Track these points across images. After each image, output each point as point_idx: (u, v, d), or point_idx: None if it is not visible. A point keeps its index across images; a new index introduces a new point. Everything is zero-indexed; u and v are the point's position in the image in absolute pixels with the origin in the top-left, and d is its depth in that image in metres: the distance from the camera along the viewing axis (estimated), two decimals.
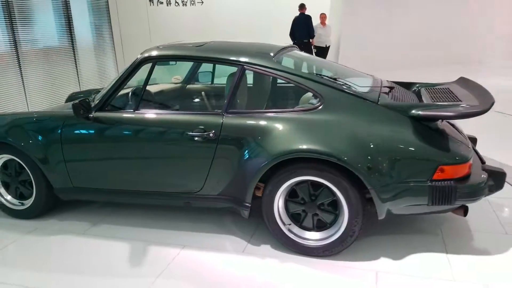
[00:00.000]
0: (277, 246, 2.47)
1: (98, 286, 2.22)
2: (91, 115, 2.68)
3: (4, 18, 4.81)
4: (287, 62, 2.67)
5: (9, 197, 3.07)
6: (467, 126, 2.76)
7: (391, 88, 2.60)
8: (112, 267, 2.39)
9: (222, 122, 2.44)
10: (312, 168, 2.24)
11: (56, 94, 5.99)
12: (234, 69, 2.53)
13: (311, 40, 8.89)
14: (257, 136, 2.36)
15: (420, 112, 2.26)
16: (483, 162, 2.47)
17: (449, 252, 2.36)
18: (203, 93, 3.34)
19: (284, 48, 2.85)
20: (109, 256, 2.51)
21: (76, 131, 2.76)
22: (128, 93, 3.03)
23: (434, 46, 11.08)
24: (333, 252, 2.34)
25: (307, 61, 3.19)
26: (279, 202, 2.38)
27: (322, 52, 9.76)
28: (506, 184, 2.37)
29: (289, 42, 9.35)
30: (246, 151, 2.37)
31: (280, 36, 9.04)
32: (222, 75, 2.94)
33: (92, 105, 2.70)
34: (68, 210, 3.10)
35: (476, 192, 2.18)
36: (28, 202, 3.00)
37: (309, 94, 2.50)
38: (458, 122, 2.64)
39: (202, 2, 10.61)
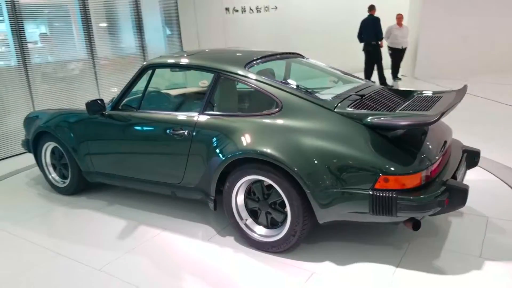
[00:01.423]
0: (240, 239, 2.67)
1: (81, 251, 2.69)
2: (105, 113, 3.20)
3: (83, 31, 5.76)
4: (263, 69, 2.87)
5: (55, 175, 3.78)
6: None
7: (362, 96, 2.60)
8: (101, 238, 2.87)
9: (195, 123, 2.73)
10: (259, 168, 2.39)
11: None
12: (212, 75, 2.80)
13: (379, 42, 8.57)
14: (221, 136, 2.59)
15: (371, 121, 2.26)
16: (452, 175, 2.34)
17: (400, 267, 2.29)
18: (196, 95, 3.67)
19: (273, 55, 3.04)
20: (105, 229, 2.99)
21: (95, 125, 3.30)
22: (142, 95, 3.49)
23: None
24: (279, 249, 2.46)
25: (295, 68, 3.32)
26: (237, 198, 2.57)
27: (398, 54, 9.34)
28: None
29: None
30: (212, 149, 2.62)
31: (353, 38, 8.93)
32: None
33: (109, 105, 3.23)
34: (96, 191, 3.69)
35: (423, 206, 2.09)
36: (66, 182, 3.68)
37: None
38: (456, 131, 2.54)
39: (276, 8, 10.94)
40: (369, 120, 2.27)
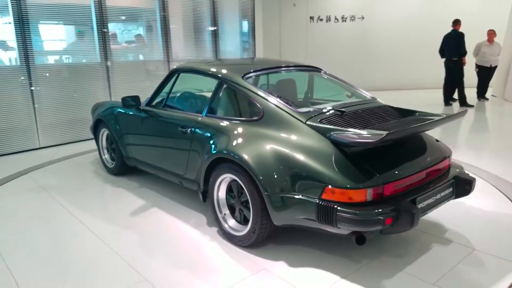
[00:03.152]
0: (220, 231, 2.97)
1: (97, 222, 3.27)
2: (141, 107, 3.78)
3: (162, 35, 6.58)
4: (263, 79, 3.12)
5: (107, 157, 4.52)
6: None
7: (342, 112, 2.71)
8: (117, 213, 3.43)
9: (197, 122, 3.12)
10: (232, 168, 2.67)
11: None
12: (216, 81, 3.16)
13: (462, 58, 7.96)
14: (212, 136, 2.93)
15: (331, 136, 2.40)
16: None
17: (345, 279, 2.36)
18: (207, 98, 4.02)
19: (278, 67, 3.30)
20: (125, 207, 3.52)
21: (132, 118, 3.91)
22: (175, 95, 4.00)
23: None
24: (244, 244, 2.71)
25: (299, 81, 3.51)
26: (219, 193, 2.88)
27: (486, 72, 8.58)
28: None
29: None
30: (204, 147, 2.97)
31: (436, 52, 8.48)
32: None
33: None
34: (136, 175, 4.32)
35: (361, 221, 2.16)
36: (113, 163, 4.39)
37: None
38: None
39: (363, 18, 10.79)
40: (329, 135, 2.40)
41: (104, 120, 4.27)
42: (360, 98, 3.25)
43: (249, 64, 3.56)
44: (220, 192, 2.89)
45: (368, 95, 3.31)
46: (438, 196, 2.53)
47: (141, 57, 6.74)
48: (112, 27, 6.09)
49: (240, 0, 7.88)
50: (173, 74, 3.62)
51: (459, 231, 2.92)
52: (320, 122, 2.58)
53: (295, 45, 10.91)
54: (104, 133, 4.47)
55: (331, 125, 2.54)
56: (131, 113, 3.90)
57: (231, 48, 7.95)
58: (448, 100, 8.34)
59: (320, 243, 2.74)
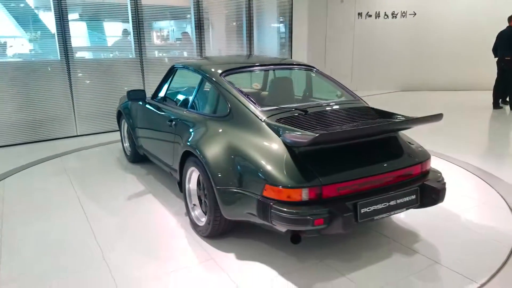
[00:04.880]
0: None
1: (95, 205, 3.61)
2: (146, 101, 4.07)
3: (196, 32, 6.87)
4: (241, 77, 3.21)
5: (127, 145, 4.90)
6: None
7: (305, 112, 2.71)
8: (117, 198, 3.73)
9: (179, 117, 3.30)
10: (195, 161, 2.81)
11: None
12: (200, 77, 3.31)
13: None
14: (188, 130, 3.09)
15: (281, 136, 2.43)
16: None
17: (283, 276, 2.39)
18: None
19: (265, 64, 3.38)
20: (126, 192, 3.84)
21: (139, 110, 4.22)
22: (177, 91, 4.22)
23: None
24: (203, 234, 2.84)
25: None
26: (190, 184, 3.04)
27: None
28: None
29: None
30: (182, 140, 3.14)
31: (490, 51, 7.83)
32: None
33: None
34: (148, 163, 4.63)
35: (291, 220, 2.19)
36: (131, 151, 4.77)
37: None
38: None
39: (415, 14, 10.22)
40: (281, 136, 2.44)
41: (122, 112, 4.64)
42: (345, 98, 3.21)
43: (235, 62, 3.64)
44: (191, 184, 3.04)
45: (355, 95, 3.25)
46: (392, 203, 2.43)
47: (176, 54, 7.09)
48: (147, 24, 6.49)
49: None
50: (172, 70, 3.84)
51: (433, 243, 2.77)
52: (278, 121, 2.61)
53: (342, 42, 10.65)
54: (124, 123, 4.85)
55: (286, 124, 2.56)
56: (139, 106, 4.21)
57: (267, 45, 8.04)
58: (497, 103, 7.63)
59: (277, 240, 2.77)
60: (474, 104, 8.37)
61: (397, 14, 10.30)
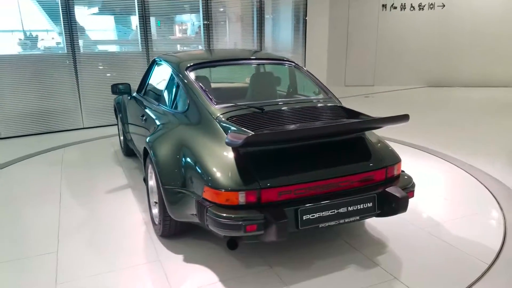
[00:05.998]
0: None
1: (82, 193, 3.65)
2: (132, 95, 4.06)
3: (203, 27, 6.82)
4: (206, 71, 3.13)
5: (122, 138, 4.93)
6: None
7: (261, 110, 2.56)
8: (102, 189, 3.79)
9: (148, 112, 3.25)
10: (151, 158, 2.73)
11: None
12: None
13: None
14: (152, 126, 3.04)
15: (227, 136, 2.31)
16: None
17: (221, 282, 2.29)
18: None
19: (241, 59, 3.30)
20: (113, 184, 3.88)
21: (125, 104, 4.23)
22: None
23: None
24: (158, 233, 2.78)
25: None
26: (152, 181, 2.98)
27: None
28: None
29: None
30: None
31: None
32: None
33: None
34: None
35: (222, 225, 2.07)
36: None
37: None
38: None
39: (443, 6, 9.62)
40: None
41: (116, 106, 4.68)
42: (319, 96, 3.03)
43: (204, 56, 3.53)
44: (152, 181, 2.98)
45: (330, 92, 3.06)
46: (342, 210, 2.24)
47: (183, 47, 7.07)
48: (152, 19, 6.51)
49: None
50: (152, 63, 3.79)
51: (399, 256, 2.56)
52: (229, 119, 2.48)
53: (365, 35, 10.22)
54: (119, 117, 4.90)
55: (237, 123, 2.43)
56: (126, 100, 4.22)
57: (280, 40, 7.86)
58: None
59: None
60: (499, 102, 7.76)
61: (424, 6, 9.73)
